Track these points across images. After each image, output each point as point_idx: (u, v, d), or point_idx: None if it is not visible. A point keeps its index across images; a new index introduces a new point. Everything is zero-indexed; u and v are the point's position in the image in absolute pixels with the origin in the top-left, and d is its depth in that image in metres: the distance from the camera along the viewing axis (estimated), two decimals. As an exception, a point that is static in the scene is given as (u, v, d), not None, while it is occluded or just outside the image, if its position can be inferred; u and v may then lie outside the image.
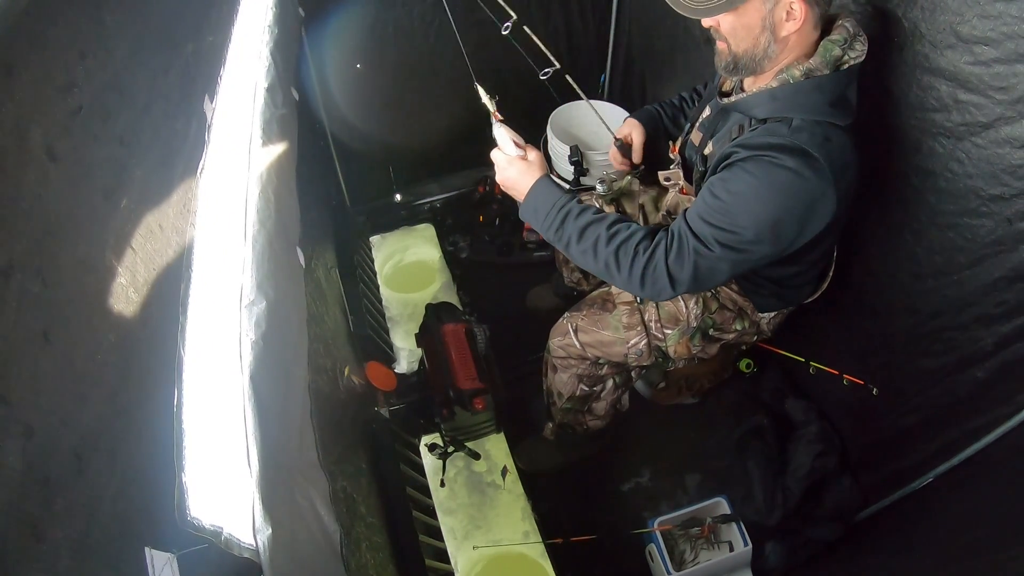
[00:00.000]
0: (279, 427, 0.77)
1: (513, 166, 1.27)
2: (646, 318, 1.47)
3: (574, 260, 1.23)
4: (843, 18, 1.12)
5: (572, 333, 1.52)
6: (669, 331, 1.46)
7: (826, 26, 1.12)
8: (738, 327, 1.47)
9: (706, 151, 1.28)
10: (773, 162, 1.05)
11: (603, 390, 1.63)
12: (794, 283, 1.39)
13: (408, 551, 1.39)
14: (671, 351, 1.48)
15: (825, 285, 1.44)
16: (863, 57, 1.10)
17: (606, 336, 1.49)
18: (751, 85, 1.19)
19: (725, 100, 1.22)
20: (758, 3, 1.06)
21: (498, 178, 1.31)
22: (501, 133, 1.30)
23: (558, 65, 1.42)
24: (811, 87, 1.09)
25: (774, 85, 1.12)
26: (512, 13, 1.43)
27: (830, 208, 1.09)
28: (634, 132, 1.54)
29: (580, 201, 1.22)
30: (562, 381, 1.61)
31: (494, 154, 1.30)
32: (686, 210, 1.15)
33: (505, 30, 1.44)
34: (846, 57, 1.10)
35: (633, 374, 1.65)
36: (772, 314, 1.47)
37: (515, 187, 1.27)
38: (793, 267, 1.32)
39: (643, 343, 1.46)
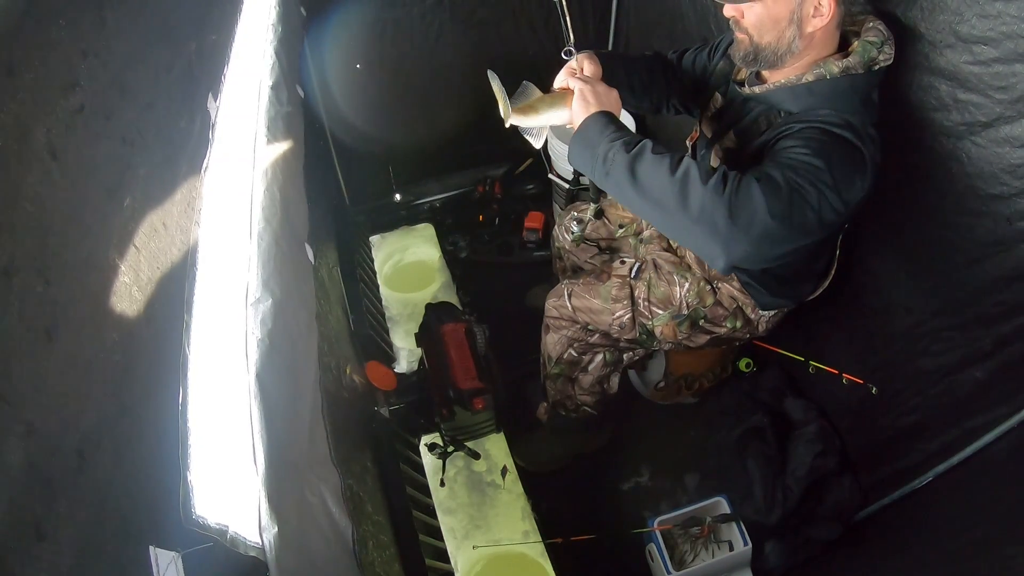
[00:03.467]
0: (286, 425, 0.77)
1: (586, 85, 1.16)
2: (636, 294, 1.51)
3: (638, 186, 1.07)
4: (871, 19, 1.13)
5: (566, 296, 1.58)
6: (659, 312, 1.49)
7: (849, 25, 1.13)
8: (729, 325, 1.47)
9: (727, 144, 1.25)
10: (831, 130, 1.07)
11: (591, 362, 1.65)
12: (797, 279, 1.39)
13: (408, 551, 1.39)
14: (657, 331, 1.50)
15: (827, 283, 1.44)
16: (891, 60, 1.11)
17: (595, 304, 1.54)
18: (772, 76, 1.18)
19: (749, 90, 1.19)
20: None
21: (577, 88, 1.17)
22: (560, 77, 1.21)
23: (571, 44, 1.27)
24: (847, 85, 1.09)
25: (810, 79, 1.11)
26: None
27: (860, 191, 1.08)
28: (590, 63, 1.28)
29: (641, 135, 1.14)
30: (553, 341, 1.64)
31: (566, 73, 1.21)
32: (753, 167, 1.07)
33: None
34: (880, 58, 1.11)
35: (625, 357, 1.65)
36: (771, 312, 1.47)
37: (584, 107, 1.15)
38: (799, 261, 1.32)
39: (627, 316, 1.50)
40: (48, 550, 0.56)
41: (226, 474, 0.71)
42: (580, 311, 1.56)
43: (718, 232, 1.01)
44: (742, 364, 1.93)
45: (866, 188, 1.10)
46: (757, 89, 1.19)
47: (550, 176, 2.21)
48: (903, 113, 1.26)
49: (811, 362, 1.61)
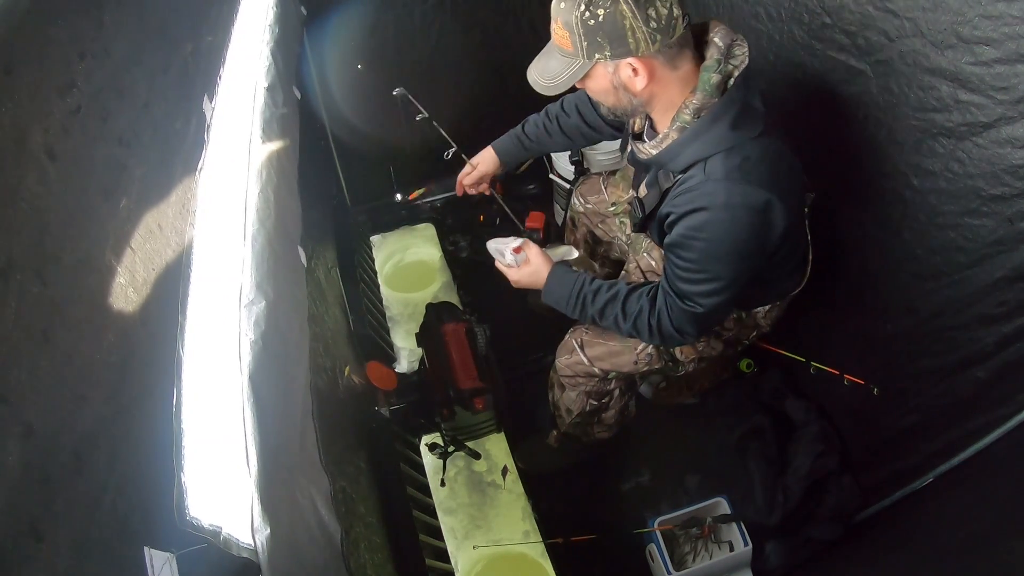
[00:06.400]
0: (278, 427, 0.77)
1: (521, 272, 1.39)
2: None
3: (606, 327, 1.35)
4: (713, 28, 1.09)
5: (579, 349, 1.50)
6: None
7: (701, 37, 1.10)
8: (735, 314, 1.45)
9: (640, 195, 1.29)
10: (711, 216, 1.08)
11: (611, 401, 1.62)
12: (773, 277, 1.37)
13: (408, 551, 1.39)
14: (679, 353, 1.47)
15: (808, 270, 1.41)
16: (747, 60, 1.08)
17: (613, 346, 1.47)
18: (659, 123, 1.18)
19: (640, 154, 1.21)
20: (601, 70, 1.07)
21: (513, 283, 1.43)
22: (493, 247, 1.44)
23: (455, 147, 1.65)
24: (707, 123, 1.08)
25: (675, 136, 1.11)
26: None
27: (781, 215, 1.10)
28: (484, 164, 1.65)
29: (592, 279, 1.32)
30: (570, 399, 1.60)
31: (500, 268, 1.43)
32: (666, 273, 1.22)
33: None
34: (730, 69, 1.07)
35: (637, 379, 1.65)
36: (766, 307, 1.44)
37: (532, 286, 1.40)
38: (766, 268, 1.30)
39: (651, 347, 1.45)
40: (45, 550, 0.57)
41: (219, 475, 0.71)
42: (598, 360, 1.48)
43: (678, 340, 1.26)
44: (743, 365, 1.92)
45: (774, 222, 1.11)
46: (642, 157, 1.20)
47: (551, 176, 2.20)
48: (903, 113, 1.26)
49: (812, 363, 1.61)
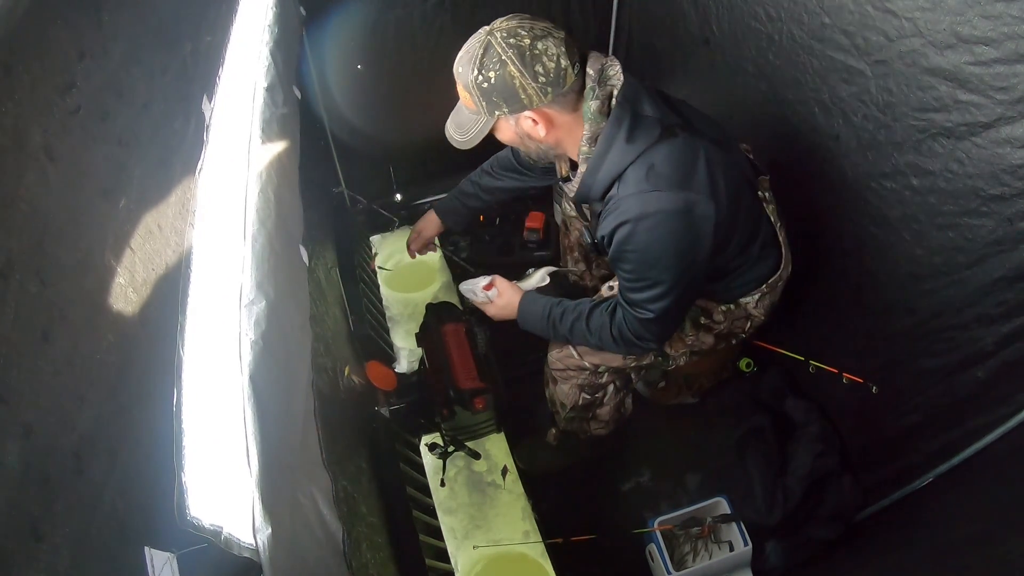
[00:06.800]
0: (279, 426, 0.77)
1: (495, 306, 1.51)
2: None
3: (577, 344, 1.47)
4: (589, 60, 1.16)
5: (570, 346, 1.52)
6: None
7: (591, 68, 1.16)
8: (724, 307, 1.45)
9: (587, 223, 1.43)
10: (632, 228, 1.15)
11: (605, 396, 1.63)
12: (739, 266, 1.37)
13: (408, 551, 1.39)
14: (667, 347, 1.48)
15: (785, 253, 1.41)
16: (622, 76, 1.16)
17: None
18: (576, 162, 1.25)
19: (569, 194, 1.32)
20: (503, 124, 1.18)
21: (491, 316, 1.55)
22: (465, 288, 1.55)
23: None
24: (604, 146, 1.16)
25: (583, 169, 1.20)
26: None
27: (708, 209, 1.14)
28: (426, 229, 1.81)
29: (559, 302, 1.42)
30: (563, 392, 1.61)
31: (478, 305, 1.55)
32: (619, 287, 1.31)
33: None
34: (608, 90, 1.15)
35: (633, 376, 1.65)
36: (755, 296, 1.43)
37: (508, 317, 1.52)
38: (724, 260, 1.32)
39: None
40: (45, 551, 0.57)
41: (220, 475, 0.71)
42: (587, 354, 1.51)
43: (641, 348, 1.34)
44: (743, 364, 1.92)
45: (701, 220, 1.14)
46: (572, 196, 1.30)
47: (550, 176, 2.20)
48: (903, 113, 1.26)
49: (811, 361, 1.61)
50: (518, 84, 1.10)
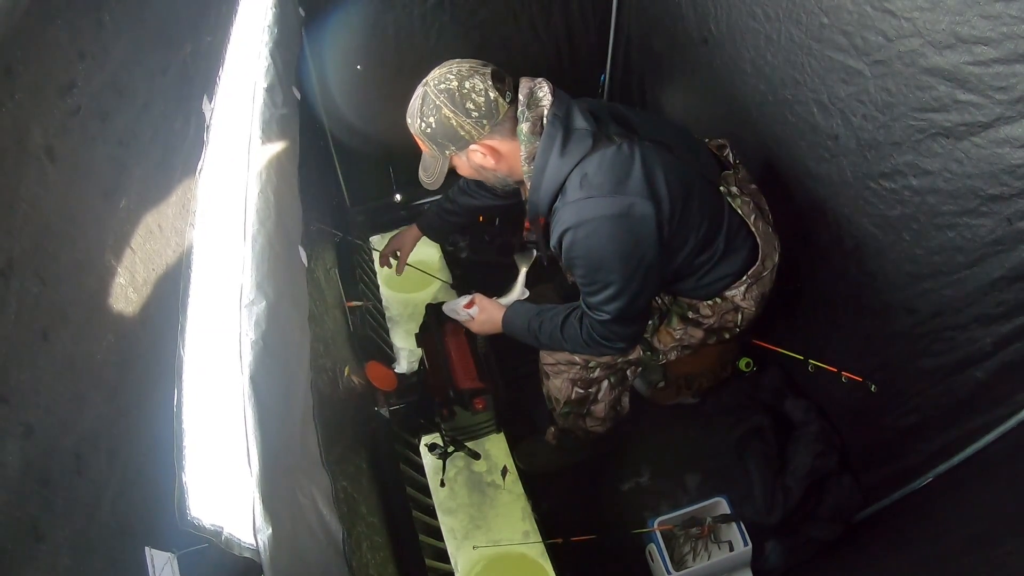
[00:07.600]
0: (279, 427, 0.77)
1: (478, 322, 1.58)
2: None
3: (555, 349, 1.54)
4: (520, 86, 1.24)
5: None
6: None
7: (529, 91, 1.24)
8: (710, 301, 1.45)
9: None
10: (574, 235, 1.21)
11: (599, 391, 1.63)
12: (708, 259, 1.37)
13: (408, 551, 1.39)
14: (655, 342, 1.49)
15: (768, 243, 1.41)
16: (550, 96, 1.23)
17: None
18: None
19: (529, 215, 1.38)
20: (458, 161, 1.28)
21: (476, 332, 1.63)
22: (448, 308, 1.63)
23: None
24: (540, 163, 1.23)
25: (527, 187, 1.28)
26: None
27: (649, 209, 1.18)
28: (407, 246, 1.87)
29: (537, 313, 1.48)
30: (556, 387, 1.62)
31: (463, 323, 1.61)
32: (580, 293, 1.36)
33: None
34: (539, 111, 1.22)
35: (628, 373, 1.65)
36: (741, 288, 1.43)
37: (492, 331, 1.59)
38: (686, 256, 1.34)
39: None
40: (46, 551, 0.57)
41: (221, 475, 0.71)
42: None
43: (611, 348, 1.39)
44: (742, 364, 1.92)
45: (640, 217, 1.18)
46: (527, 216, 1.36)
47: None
48: (902, 113, 1.26)
49: (811, 361, 1.61)
50: (455, 123, 1.20)
